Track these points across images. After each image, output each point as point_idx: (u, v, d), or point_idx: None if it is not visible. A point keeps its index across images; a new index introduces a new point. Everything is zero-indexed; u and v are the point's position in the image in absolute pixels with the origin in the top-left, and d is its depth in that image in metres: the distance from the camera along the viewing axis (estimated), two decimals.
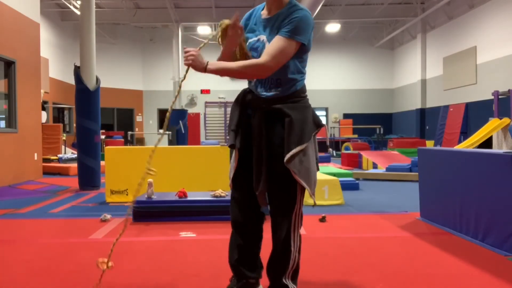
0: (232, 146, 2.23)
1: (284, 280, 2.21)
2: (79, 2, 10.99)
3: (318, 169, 2.24)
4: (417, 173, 4.82)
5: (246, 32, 2.25)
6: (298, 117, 2.12)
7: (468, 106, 14.70)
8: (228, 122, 2.23)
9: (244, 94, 2.25)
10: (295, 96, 2.16)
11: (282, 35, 2.06)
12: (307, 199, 5.50)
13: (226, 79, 2.31)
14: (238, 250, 2.25)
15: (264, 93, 2.16)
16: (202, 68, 2.04)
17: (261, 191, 2.15)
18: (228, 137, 2.31)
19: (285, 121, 2.11)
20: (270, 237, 2.24)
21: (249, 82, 2.28)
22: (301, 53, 2.15)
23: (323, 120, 22.50)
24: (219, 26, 2.19)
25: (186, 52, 2.07)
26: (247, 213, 2.25)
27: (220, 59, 2.21)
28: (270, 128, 2.15)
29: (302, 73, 2.21)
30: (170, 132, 14.73)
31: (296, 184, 2.12)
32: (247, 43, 2.23)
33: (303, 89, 2.21)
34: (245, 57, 2.21)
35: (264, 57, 2.05)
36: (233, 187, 2.29)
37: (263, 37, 2.17)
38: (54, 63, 16.51)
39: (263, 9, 2.25)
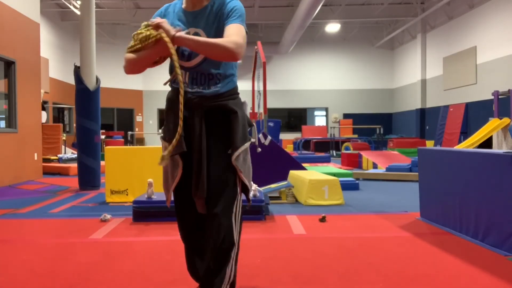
0: (184, 153, 1.98)
1: None
2: (79, 2, 10.99)
3: None
4: (417, 173, 4.82)
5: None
6: (242, 114, 2.02)
7: (468, 106, 14.69)
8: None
9: (176, 95, 1.98)
10: (233, 93, 2.05)
11: (235, 22, 1.92)
12: (308, 199, 5.49)
13: None
14: (198, 261, 2.11)
15: (204, 90, 2.00)
16: (172, 35, 1.86)
17: (202, 196, 1.95)
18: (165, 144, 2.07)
19: (231, 117, 1.99)
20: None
21: (173, 82, 2.11)
22: None
23: (323, 120, 22.52)
24: (148, 34, 1.93)
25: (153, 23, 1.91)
26: (196, 222, 2.08)
27: (136, 63, 2.01)
28: (213, 126, 2.00)
29: (236, 67, 2.12)
30: None
31: (236, 183, 1.99)
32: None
33: (237, 86, 2.11)
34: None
35: (234, 37, 1.85)
36: (176, 197, 2.10)
37: (195, 30, 1.99)
38: (54, 63, 16.51)
39: (181, 4, 2.07)
